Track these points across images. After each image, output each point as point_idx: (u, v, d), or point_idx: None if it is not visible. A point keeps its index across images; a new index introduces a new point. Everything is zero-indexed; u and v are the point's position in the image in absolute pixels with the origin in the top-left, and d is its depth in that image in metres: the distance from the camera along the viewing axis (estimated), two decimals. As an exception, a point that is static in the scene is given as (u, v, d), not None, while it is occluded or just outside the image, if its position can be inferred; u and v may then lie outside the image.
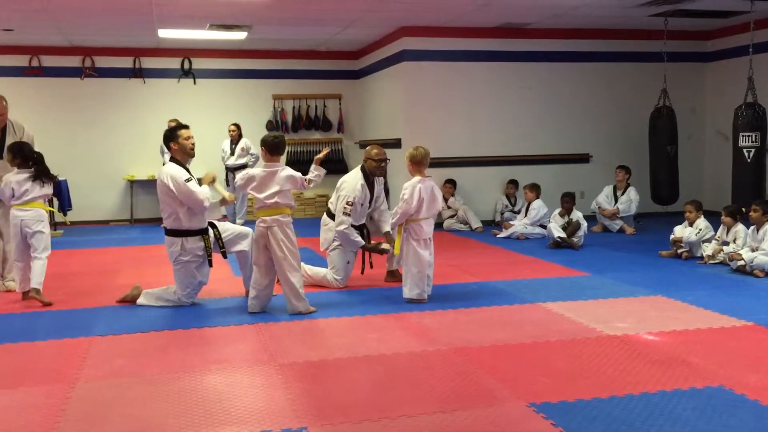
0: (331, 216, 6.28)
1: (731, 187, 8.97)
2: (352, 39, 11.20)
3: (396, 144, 10.30)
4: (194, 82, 12.01)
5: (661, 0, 8.64)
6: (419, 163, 5.66)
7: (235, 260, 5.90)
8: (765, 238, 6.56)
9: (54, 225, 10.08)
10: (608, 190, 9.77)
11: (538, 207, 9.22)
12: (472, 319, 5.07)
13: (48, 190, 5.90)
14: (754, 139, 8.63)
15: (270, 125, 12.17)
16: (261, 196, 5.28)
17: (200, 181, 5.44)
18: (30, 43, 11.10)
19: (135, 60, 11.76)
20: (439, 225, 8.95)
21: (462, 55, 10.41)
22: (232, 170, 10.50)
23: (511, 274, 6.73)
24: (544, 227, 8.76)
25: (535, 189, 9.35)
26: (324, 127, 12.57)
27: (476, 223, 9.90)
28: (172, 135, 5.44)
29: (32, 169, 5.79)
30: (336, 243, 6.17)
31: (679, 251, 7.47)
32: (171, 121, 9.31)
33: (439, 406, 3.42)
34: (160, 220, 5.94)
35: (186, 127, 5.52)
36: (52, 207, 8.70)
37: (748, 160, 8.66)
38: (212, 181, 5.60)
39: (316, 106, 12.54)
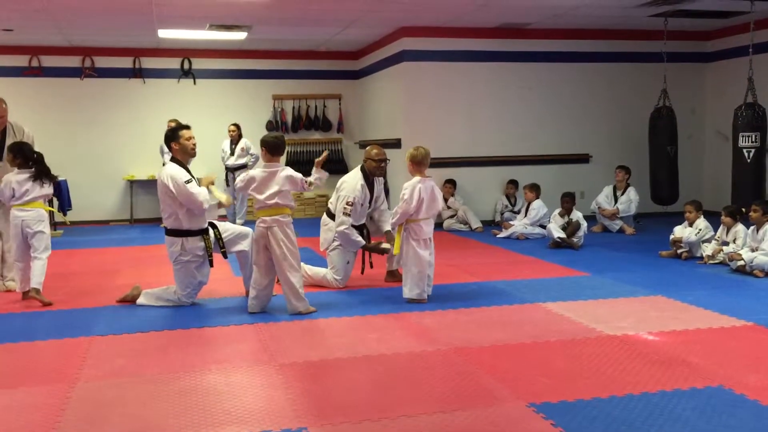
0: (331, 216, 6.28)
1: (731, 188, 8.97)
2: (351, 39, 11.19)
3: (396, 144, 10.30)
4: (194, 82, 12.01)
5: (661, 0, 8.64)
6: (419, 163, 5.66)
7: (235, 260, 5.91)
8: (765, 238, 6.57)
9: (54, 225, 10.07)
10: (608, 190, 9.77)
11: (538, 207, 9.22)
12: (472, 319, 5.07)
13: (48, 190, 5.90)
14: (753, 140, 8.64)
15: (270, 125, 12.17)
16: (261, 196, 5.28)
17: (199, 183, 5.45)
18: (30, 43, 11.10)
19: (135, 60, 11.77)
20: (439, 225, 8.95)
21: (462, 55, 10.41)
22: (231, 170, 10.50)
23: (511, 274, 6.73)
24: (544, 227, 8.76)
25: (535, 189, 9.35)
26: (324, 128, 12.57)
27: (476, 223, 9.90)
28: (174, 135, 5.44)
29: (32, 169, 5.79)
30: (336, 243, 6.17)
31: (679, 251, 7.47)
32: (171, 121, 9.32)
33: (439, 406, 3.42)
34: (159, 220, 5.95)
35: (187, 127, 5.53)
36: (52, 207, 8.70)
37: (748, 161, 8.66)
38: (210, 185, 5.59)
39: (315, 107, 12.54)
